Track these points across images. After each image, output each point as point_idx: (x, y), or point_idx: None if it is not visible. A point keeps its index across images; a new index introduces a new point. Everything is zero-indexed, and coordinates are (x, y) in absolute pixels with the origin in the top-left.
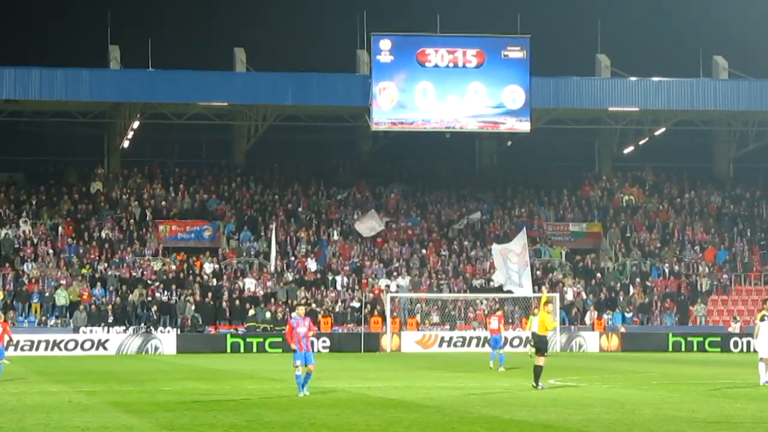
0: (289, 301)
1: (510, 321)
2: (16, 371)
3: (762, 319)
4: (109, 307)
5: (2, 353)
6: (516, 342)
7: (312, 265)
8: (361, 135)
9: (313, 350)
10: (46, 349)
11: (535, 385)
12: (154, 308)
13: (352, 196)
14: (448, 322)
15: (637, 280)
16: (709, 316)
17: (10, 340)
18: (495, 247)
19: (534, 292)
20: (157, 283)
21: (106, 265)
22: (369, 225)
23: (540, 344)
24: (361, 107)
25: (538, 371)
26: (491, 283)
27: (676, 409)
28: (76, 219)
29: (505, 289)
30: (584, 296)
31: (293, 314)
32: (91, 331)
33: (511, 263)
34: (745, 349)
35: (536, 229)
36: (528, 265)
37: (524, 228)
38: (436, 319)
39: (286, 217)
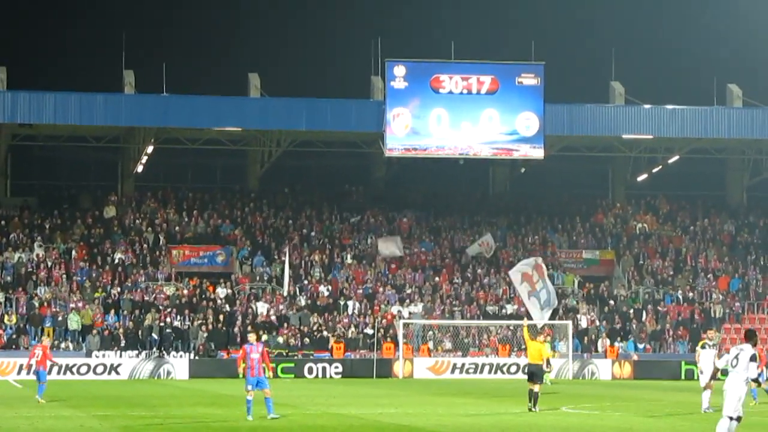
0: (302, 327)
1: (523, 348)
2: (28, 395)
3: (703, 347)
4: (121, 331)
5: (44, 376)
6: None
7: (325, 290)
8: (375, 161)
9: (265, 375)
10: (58, 373)
11: (532, 406)
12: (168, 332)
13: (365, 221)
14: (461, 349)
15: (650, 307)
16: (722, 344)
17: (53, 363)
18: (512, 273)
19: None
20: (170, 309)
21: (119, 289)
22: (390, 248)
23: (537, 372)
24: (375, 133)
25: (535, 396)
26: (503, 311)
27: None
28: (90, 243)
29: (533, 314)
30: (597, 323)
31: (248, 340)
32: (103, 356)
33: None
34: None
35: (549, 256)
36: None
37: (534, 258)
38: (448, 345)
39: (299, 241)
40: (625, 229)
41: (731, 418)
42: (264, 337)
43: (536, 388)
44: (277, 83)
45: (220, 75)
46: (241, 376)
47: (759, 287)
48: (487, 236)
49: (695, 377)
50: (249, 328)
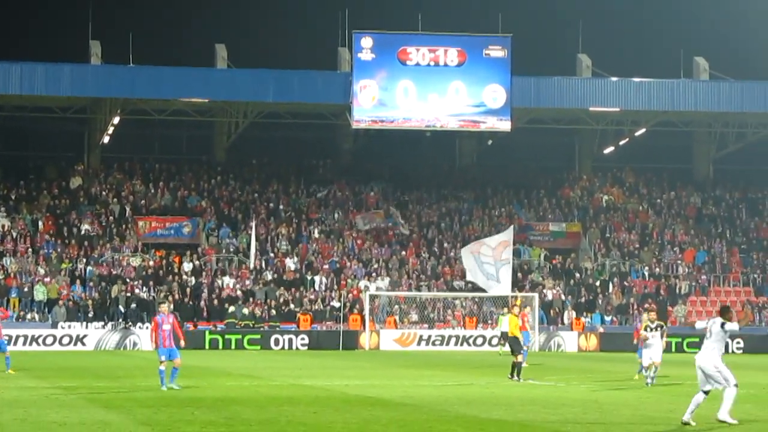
0: (269, 301)
1: (488, 321)
2: None
3: (645, 329)
4: (90, 302)
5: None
6: (495, 341)
7: (291, 264)
8: (342, 133)
9: (177, 346)
10: (24, 344)
11: (510, 376)
12: (133, 305)
13: (332, 194)
14: (427, 322)
15: (616, 280)
16: (688, 317)
17: None
18: (463, 250)
19: (512, 291)
20: (136, 281)
21: (85, 261)
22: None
23: (514, 345)
24: (342, 105)
25: (518, 366)
26: (469, 285)
27: (654, 410)
28: (56, 214)
29: (482, 286)
30: (563, 296)
31: (158, 311)
32: (69, 327)
33: (484, 257)
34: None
35: (516, 230)
36: (507, 261)
37: (512, 227)
38: (414, 317)
39: (266, 214)
40: (592, 201)
41: (705, 393)
42: (231, 309)
43: (519, 358)
44: (244, 54)
45: (187, 46)
46: (153, 347)
47: (725, 260)
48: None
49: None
50: (161, 297)
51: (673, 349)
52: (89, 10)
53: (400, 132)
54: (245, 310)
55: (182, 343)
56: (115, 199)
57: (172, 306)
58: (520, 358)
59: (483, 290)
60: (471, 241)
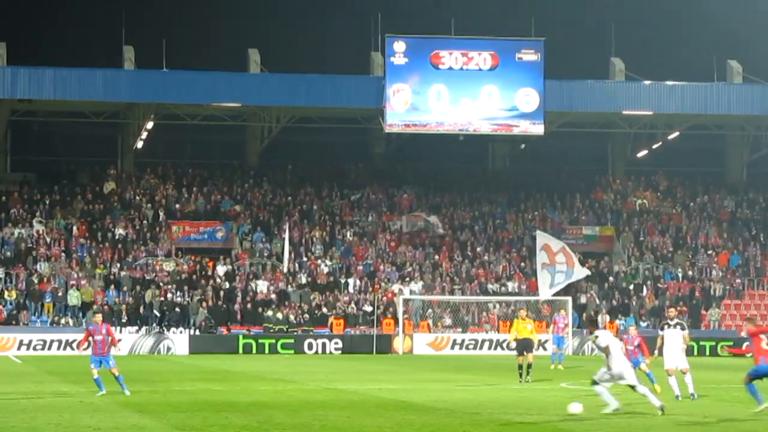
0: (302, 305)
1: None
2: (28, 371)
3: (662, 329)
4: (123, 307)
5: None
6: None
7: (325, 267)
8: (375, 137)
9: (110, 354)
10: (58, 348)
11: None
12: (171, 310)
13: (365, 197)
14: (460, 325)
15: (649, 283)
16: (722, 320)
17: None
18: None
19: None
20: (170, 285)
21: (119, 265)
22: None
23: (522, 346)
24: (375, 109)
25: (527, 366)
26: (503, 288)
27: (687, 414)
28: (90, 219)
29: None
30: (597, 300)
31: (92, 321)
32: None
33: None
34: None
35: (549, 232)
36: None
37: (562, 243)
38: (448, 321)
39: (299, 218)
40: (625, 205)
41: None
42: (268, 313)
43: (521, 359)
44: (276, 59)
45: (220, 51)
46: (85, 352)
47: (758, 263)
48: (432, 218)
49: (695, 353)
50: (95, 308)
51: (707, 353)
52: (122, 16)
53: (433, 136)
54: (279, 314)
55: (115, 349)
56: (149, 204)
57: (102, 317)
58: (521, 359)
59: (516, 294)
60: (503, 245)
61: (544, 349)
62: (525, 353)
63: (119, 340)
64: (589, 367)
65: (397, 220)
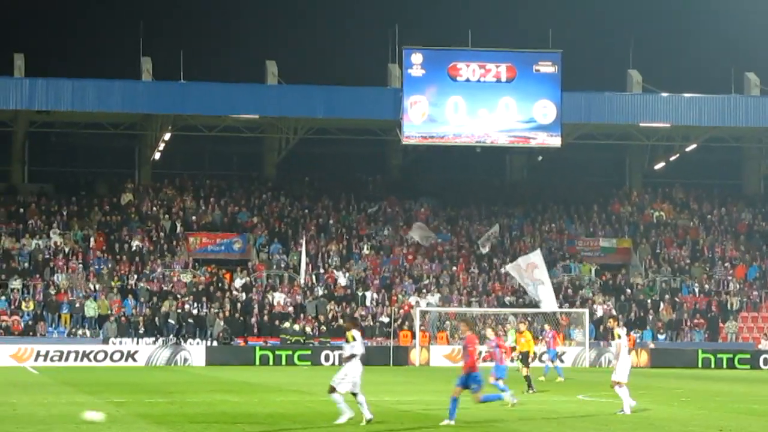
0: (319, 316)
1: (539, 336)
2: (44, 382)
3: (614, 338)
4: (140, 318)
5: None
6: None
7: (342, 279)
8: (392, 149)
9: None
10: (75, 359)
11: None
12: (189, 321)
13: (382, 210)
14: (478, 338)
15: (667, 296)
16: (739, 333)
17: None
18: (509, 267)
19: (560, 307)
20: (187, 296)
21: (136, 277)
22: (421, 234)
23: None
24: (392, 121)
25: (528, 379)
26: (521, 300)
27: (704, 426)
28: (107, 230)
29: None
30: (614, 312)
31: None
32: (120, 343)
33: (524, 277)
34: None
35: (566, 245)
36: (541, 282)
37: (539, 249)
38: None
39: (316, 230)
40: (642, 217)
41: None
42: (285, 325)
43: (525, 371)
44: (294, 70)
45: (238, 62)
46: None
47: None
48: (494, 227)
49: (713, 365)
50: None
51: (725, 366)
52: (140, 27)
53: (450, 147)
54: (296, 327)
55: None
56: (166, 215)
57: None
58: (526, 371)
59: (534, 306)
60: (520, 257)
61: (541, 361)
62: (528, 365)
63: (135, 352)
64: (603, 380)
65: (411, 233)
